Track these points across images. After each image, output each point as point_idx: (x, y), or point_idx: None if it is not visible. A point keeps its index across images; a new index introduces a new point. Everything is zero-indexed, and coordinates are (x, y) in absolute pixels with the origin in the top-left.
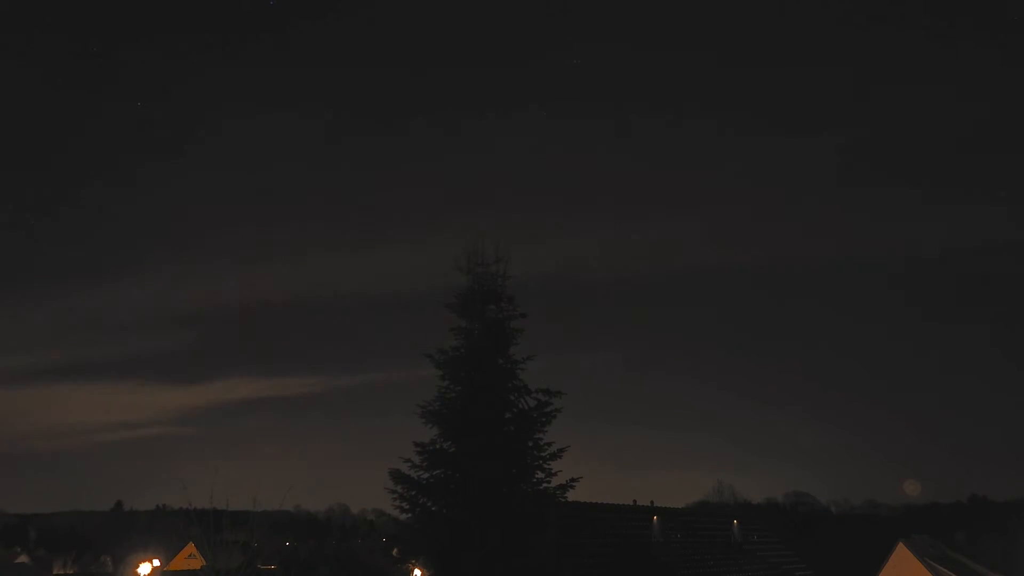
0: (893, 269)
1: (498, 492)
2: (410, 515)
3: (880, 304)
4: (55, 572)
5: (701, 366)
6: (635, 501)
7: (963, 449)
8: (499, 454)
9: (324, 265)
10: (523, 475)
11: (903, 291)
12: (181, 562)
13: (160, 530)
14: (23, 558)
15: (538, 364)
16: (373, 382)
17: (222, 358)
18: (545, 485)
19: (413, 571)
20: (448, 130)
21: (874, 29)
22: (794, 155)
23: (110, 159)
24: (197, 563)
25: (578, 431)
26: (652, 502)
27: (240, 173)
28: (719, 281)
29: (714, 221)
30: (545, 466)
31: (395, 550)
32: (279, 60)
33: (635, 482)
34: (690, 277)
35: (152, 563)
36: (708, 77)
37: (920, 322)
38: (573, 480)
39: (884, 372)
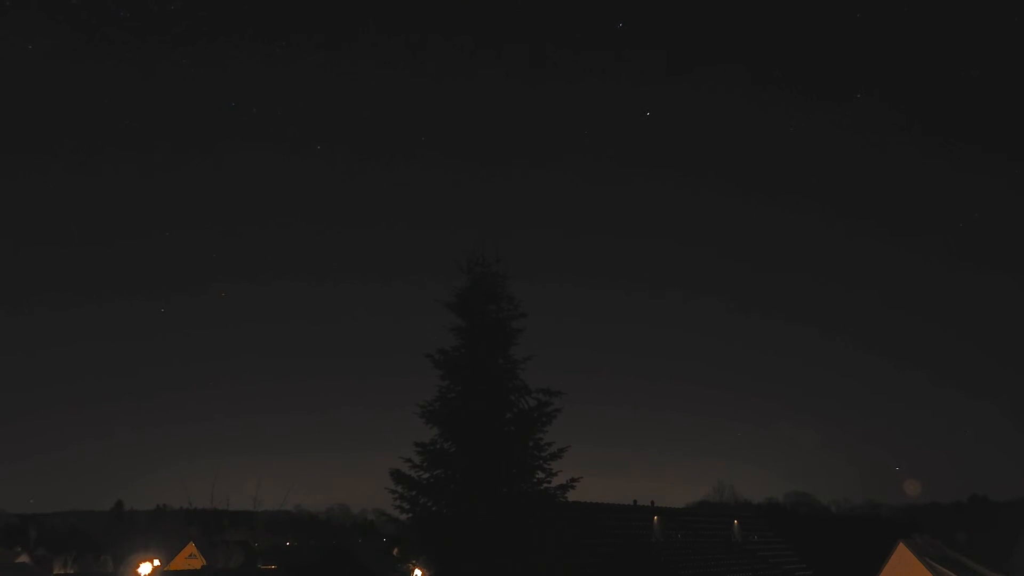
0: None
1: (498, 492)
2: (410, 515)
3: (884, 305)
4: (56, 572)
5: (701, 365)
6: (635, 501)
7: (963, 449)
8: (499, 454)
9: (323, 262)
10: (523, 475)
11: (903, 291)
12: (181, 562)
13: (161, 530)
14: (24, 558)
15: (539, 362)
16: (373, 381)
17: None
18: (546, 485)
19: (413, 572)
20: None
21: None
22: None
23: None
24: (197, 563)
25: (579, 430)
26: (652, 502)
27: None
28: (719, 280)
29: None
30: (545, 466)
31: (395, 550)
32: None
33: (636, 482)
34: (691, 278)
35: (153, 563)
36: None
37: (920, 321)
38: (574, 480)
39: (885, 371)
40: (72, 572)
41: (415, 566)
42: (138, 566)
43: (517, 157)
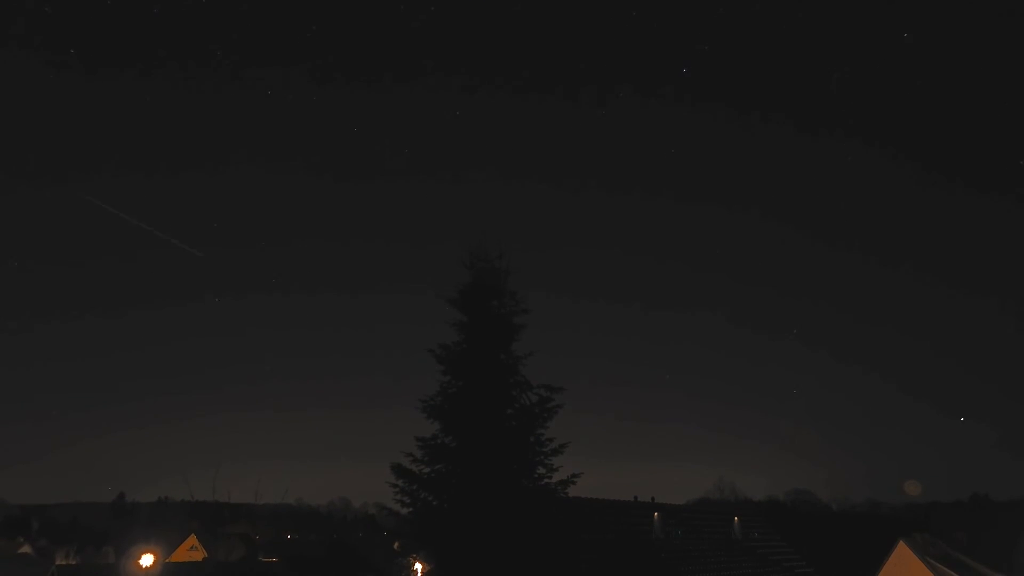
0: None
1: (499, 487)
2: (411, 509)
3: (884, 303)
4: (57, 563)
5: (703, 364)
6: (636, 497)
7: (963, 449)
8: (500, 449)
9: (325, 258)
10: (524, 470)
11: (904, 290)
12: (183, 554)
13: (162, 522)
14: (26, 549)
15: (539, 359)
16: (375, 377)
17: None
18: (546, 481)
19: (414, 565)
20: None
21: None
22: None
23: None
24: (199, 555)
25: (580, 427)
26: (653, 499)
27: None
28: (721, 281)
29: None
30: (547, 462)
31: (396, 544)
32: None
33: (636, 478)
34: (691, 279)
35: (154, 555)
36: None
37: (922, 321)
38: (575, 476)
39: (885, 371)
40: (74, 563)
41: (415, 560)
42: (140, 557)
43: (536, 170)
